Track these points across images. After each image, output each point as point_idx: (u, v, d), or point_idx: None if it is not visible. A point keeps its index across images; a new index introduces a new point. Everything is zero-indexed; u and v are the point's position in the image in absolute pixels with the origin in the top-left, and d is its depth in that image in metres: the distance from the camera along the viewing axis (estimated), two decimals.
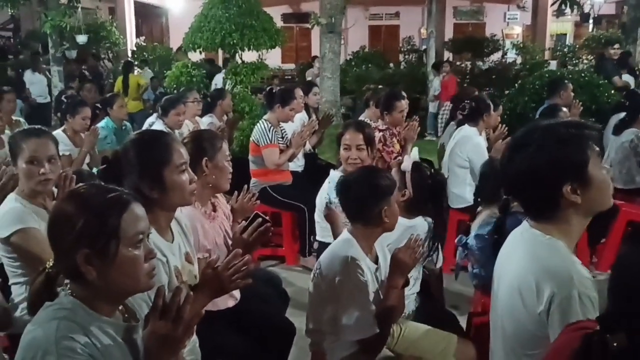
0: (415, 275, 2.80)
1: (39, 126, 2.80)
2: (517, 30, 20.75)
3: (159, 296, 1.45)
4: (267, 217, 2.45)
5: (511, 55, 16.62)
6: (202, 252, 2.46)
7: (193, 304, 1.91)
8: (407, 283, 2.46)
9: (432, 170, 3.06)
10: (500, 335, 1.79)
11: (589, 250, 4.58)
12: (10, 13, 15.73)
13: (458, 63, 15.32)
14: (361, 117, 5.51)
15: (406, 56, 18.42)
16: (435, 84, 11.38)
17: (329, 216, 3.25)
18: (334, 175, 3.43)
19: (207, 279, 2.01)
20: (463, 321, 2.97)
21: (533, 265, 1.64)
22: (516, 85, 7.83)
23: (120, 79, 10.75)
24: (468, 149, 4.60)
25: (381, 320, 2.32)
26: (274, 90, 5.58)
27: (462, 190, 4.58)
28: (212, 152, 2.63)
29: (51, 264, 1.50)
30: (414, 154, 3.08)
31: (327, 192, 3.46)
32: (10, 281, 2.61)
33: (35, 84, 11.09)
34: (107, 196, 1.46)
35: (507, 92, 7.55)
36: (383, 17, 23.01)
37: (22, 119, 6.38)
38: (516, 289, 1.66)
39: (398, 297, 2.39)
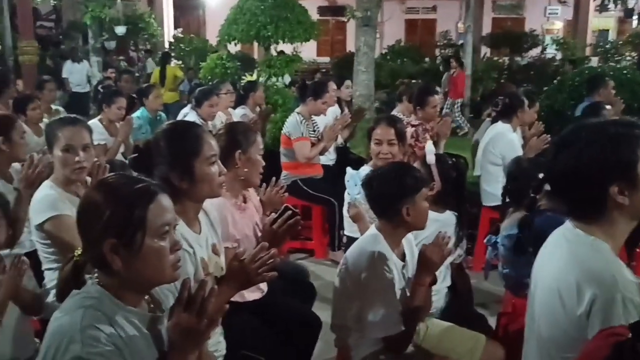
0: (444, 271, 2.77)
1: (75, 115, 2.85)
2: (558, 26, 20.32)
3: (184, 288, 1.45)
4: (297, 210, 2.44)
5: (550, 51, 16.29)
6: (230, 241, 2.47)
7: (218, 295, 1.92)
8: (434, 281, 2.43)
9: (452, 160, 3.05)
10: (536, 337, 1.74)
11: (627, 255, 4.45)
12: (52, 4, 16.10)
13: (495, 58, 15.08)
14: (394, 112, 5.46)
15: (442, 51, 18.23)
16: (443, 80, 11.19)
17: (354, 216, 3.23)
18: (350, 172, 3.42)
19: (233, 271, 2.01)
20: (492, 321, 2.93)
21: (575, 266, 1.58)
22: (555, 81, 7.66)
23: (157, 70, 10.88)
24: (501, 146, 4.51)
25: (407, 318, 2.29)
26: (308, 83, 5.58)
27: (494, 188, 4.49)
28: (245, 145, 2.63)
29: (79, 253, 1.52)
30: (429, 148, 3.06)
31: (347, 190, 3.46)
32: (44, 267, 2.67)
33: (75, 73, 11.33)
34: (135, 187, 1.47)
35: (545, 88, 7.37)
36: (420, 11, 22.78)
37: (60, 108, 6.53)
38: (555, 290, 1.61)
39: (425, 296, 2.36)
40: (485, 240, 2.96)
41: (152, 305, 1.57)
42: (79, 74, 11.42)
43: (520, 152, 4.31)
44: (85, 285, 1.49)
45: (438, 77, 12.38)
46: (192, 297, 1.43)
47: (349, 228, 3.74)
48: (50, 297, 2.57)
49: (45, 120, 5.33)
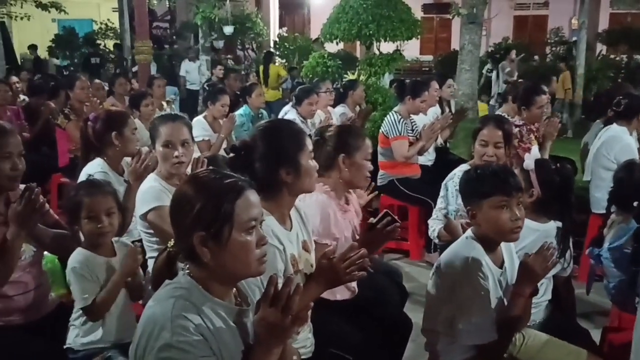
0: (546, 283, 2.63)
1: (176, 112, 2.99)
2: None
3: (270, 284, 1.47)
4: (397, 217, 2.40)
5: None
6: (330, 239, 2.49)
7: (306, 292, 1.95)
8: (535, 292, 2.31)
9: (557, 164, 2.84)
10: None
11: None
12: (167, 6, 16.98)
13: (612, 56, 14.15)
14: (498, 112, 5.28)
15: (553, 48, 17.36)
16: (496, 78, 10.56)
17: (447, 228, 3.15)
18: (449, 184, 3.33)
19: (322, 269, 2.02)
20: (596, 336, 2.75)
21: None
22: None
23: (261, 68, 11.18)
24: (616, 150, 4.22)
25: (503, 327, 2.20)
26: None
27: (606, 195, 4.22)
28: (351, 149, 2.64)
29: (172, 244, 1.58)
30: (533, 152, 2.89)
31: (444, 201, 3.38)
32: (147, 255, 2.81)
33: (190, 72, 11.98)
34: (224, 182, 1.51)
35: None
36: (530, 7, 21.83)
37: (173, 104, 6.88)
38: None
39: (524, 306, 2.25)
40: (586, 252, 2.78)
41: (239, 299, 1.60)
42: (194, 72, 12.05)
43: (637, 157, 4.01)
44: (177, 276, 1.54)
45: (547, 77, 11.80)
46: (278, 293, 1.45)
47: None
48: None
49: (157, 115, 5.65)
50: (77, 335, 2.26)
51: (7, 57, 13.01)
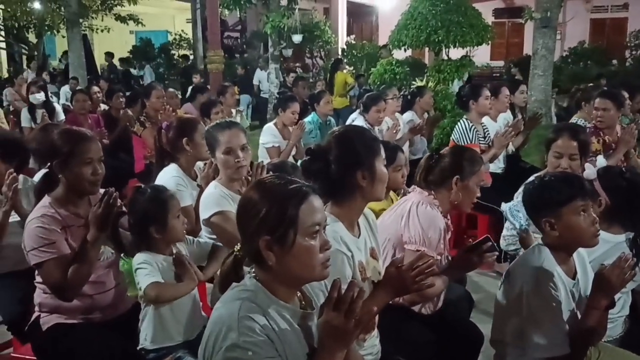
0: (624, 298, 2.52)
1: (231, 119, 3.06)
2: None
3: (334, 288, 1.48)
4: (496, 244, 2.37)
5: None
6: (436, 253, 2.46)
7: (373, 299, 1.95)
8: (612, 305, 2.21)
9: (623, 168, 2.69)
10: None
11: None
12: (238, 16, 17.41)
13: None
14: (573, 120, 5.10)
15: (633, 52, 16.60)
16: None
17: (522, 241, 3.07)
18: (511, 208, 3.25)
19: (390, 277, 2.01)
20: None
21: None
22: None
23: (329, 76, 11.28)
24: None
25: (576, 341, 2.12)
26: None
27: None
28: (467, 173, 2.61)
29: (238, 248, 1.62)
30: (599, 161, 2.74)
31: (514, 220, 3.30)
32: None
33: (263, 81, 12.25)
34: (289, 187, 1.54)
35: None
36: (608, 9, 20.92)
37: (243, 112, 7.04)
38: None
39: (599, 319, 2.16)
40: None
41: (303, 302, 1.63)
42: (264, 80, 12.33)
43: None
44: (243, 278, 1.59)
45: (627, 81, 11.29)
46: (342, 296, 1.46)
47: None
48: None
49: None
50: (147, 335, 2.34)
51: (88, 67, 13.70)
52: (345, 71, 11.92)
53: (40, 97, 6.55)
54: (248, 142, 2.98)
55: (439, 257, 2.45)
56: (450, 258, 2.62)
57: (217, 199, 2.82)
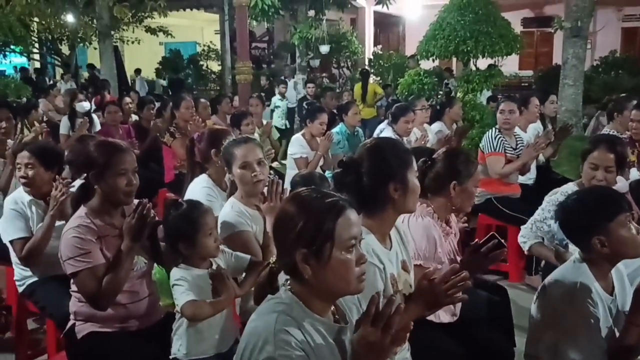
0: None
1: (246, 135, 3.03)
2: None
3: (372, 303, 1.47)
4: (503, 241, 2.33)
5: None
6: (436, 262, 2.47)
7: (404, 314, 1.93)
8: None
9: None
10: None
11: None
12: (266, 27, 17.56)
13: None
14: (605, 130, 5.02)
15: None
16: None
17: (558, 256, 3.03)
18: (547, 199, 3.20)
19: (422, 291, 1.98)
20: None
21: None
22: None
23: (358, 86, 11.26)
24: None
25: (615, 358, 2.08)
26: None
27: None
28: (463, 177, 2.62)
29: (274, 260, 1.63)
30: (632, 174, 2.69)
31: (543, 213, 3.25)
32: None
33: (288, 90, 12.30)
34: (325, 201, 1.54)
35: None
36: None
37: (271, 122, 7.09)
38: None
39: (639, 336, 2.12)
40: None
41: (337, 316, 1.62)
42: (290, 90, 12.38)
43: None
44: (279, 291, 1.59)
45: None
46: (380, 312, 1.45)
47: None
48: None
49: (258, 132, 5.83)
50: (180, 346, 2.35)
51: (119, 78, 13.94)
52: (372, 81, 11.91)
53: (86, 105, 6.81)
54: (264, 157, 2.95)
55: (439, 266, 2.41)
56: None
57: (234, 220, 2.76)
